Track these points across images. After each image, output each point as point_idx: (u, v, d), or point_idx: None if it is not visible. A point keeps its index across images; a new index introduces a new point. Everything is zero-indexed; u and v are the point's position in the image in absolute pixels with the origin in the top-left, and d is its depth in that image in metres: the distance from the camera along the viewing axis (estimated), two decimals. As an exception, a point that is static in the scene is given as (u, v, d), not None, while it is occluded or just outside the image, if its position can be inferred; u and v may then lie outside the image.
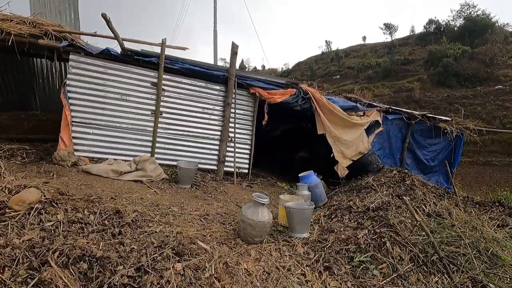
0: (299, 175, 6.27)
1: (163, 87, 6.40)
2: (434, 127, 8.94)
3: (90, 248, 2.77)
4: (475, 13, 28.49)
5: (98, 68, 5.89)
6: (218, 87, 6.95)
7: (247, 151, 7.23)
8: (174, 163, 6.16)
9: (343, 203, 5.14)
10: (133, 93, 6.18)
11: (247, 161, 7.22)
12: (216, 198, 5.61)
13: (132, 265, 2.75)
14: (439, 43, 28.76)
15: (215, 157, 6.91)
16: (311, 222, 4.53)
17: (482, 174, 15.69)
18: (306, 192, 5.63)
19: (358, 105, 8.19)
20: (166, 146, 6.49)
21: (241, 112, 7.19)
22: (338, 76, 27.06)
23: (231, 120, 6.99)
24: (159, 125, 6.39)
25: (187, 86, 6.66)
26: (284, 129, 11.02)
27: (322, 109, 7.62)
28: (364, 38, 33.14)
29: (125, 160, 5.70)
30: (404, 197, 3.88)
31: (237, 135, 7.11)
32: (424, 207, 4.82)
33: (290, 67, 35.58)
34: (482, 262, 3.27)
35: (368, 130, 8.19)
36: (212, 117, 6.89)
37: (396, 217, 4.28)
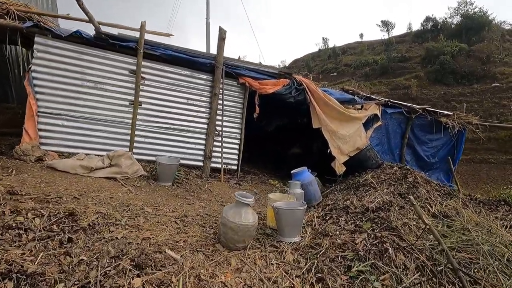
0: (292, 172, 5.71)
1: (143, 75, 5.80)
2: (435, 122, 8.42)
3: (22, 261, 2.19)
4: (472, 11, 28.08)
5: (70, 53, 5.28)
6: (204, 76, 6.36)
7: (236, 146, 6.66)
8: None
9: (339, 203, 4.59)
10: (109, 81, 5.57)
11: (235, 156, 6.65)
12: (199, 197, 5.03)
13: (76, 282, 2.17)
14: (436, 40, 28.33)
15: (201, 153, 6.33)
16: (303, 224, 3.97)
17: (479, 171, 15.26)
18: (299, 190, 5.07)
19: (356, 97, 7.64)
20: (146, 140, 5.90)
21: (230, 103, 6.61)
22: (335, 74, 26.53)
23: (219, 112, 6.41)
24: (139, 117, 5.78)
25: (170, 75, 6.07)
26: (277, 123, 10.45)
27: (317, 101, 7.06)
28: (361, 35, 32.66)
29: (98, 155, 5.10)
30: (410, 197, 3.33)
31: (225, 129, 6.53)
32: (429, 207, 4.28)
33: (287, 64, 35.01)
34: (508, 275, 2.72)
35: (366, 125, 7.66)
36: (198, 109, 6.30)
37: (399, 219, 3.74)
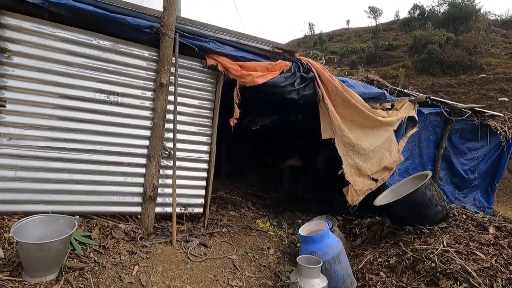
0: (300, 233, 2.90)
1: (7, 45, 2.70)
2: (480, 126, 5.80)
3: None
4: (459, -1, 25.98)
5: None
6: (141, 53, 3.31)
7: (202, 174, 3.70)
8: (43, 208, 2.62)
9: None
10: None
11: (201, 192, 3.71)
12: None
13: None
14: (423, 29, 26.10)
15: (137, 190, 3.34)
16: None
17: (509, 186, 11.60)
18: (318, 282, 2.29)
19: (386, 92, 4.84)
20: (17, 175, 2.85)
21: (190, 102, 3.61)
22: (322, 61, 23.69)
23: (169, 117, 3.42)
24: (-2, 129, 2.72)
25: (69, 47, 2.97)
26: (264, 121, 7.49)
27: (332, 99, 4.20)
28: (348, 22, 29.75)
29: None
30: None
31: (181, 146, 3.55)
32: None
33: (269, 51, 31.66)
34: None
35: (397, 132, 4.93)
36: (130, 111, 3.27)
37: None
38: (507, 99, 20.54)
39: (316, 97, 4.10)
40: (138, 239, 3.09)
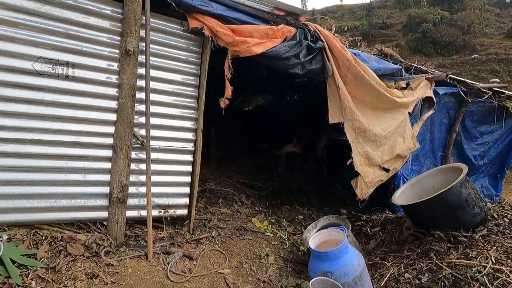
0: (310, 246, 2.24)
1: None
2: (497, 108, 5.20)
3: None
4: (454, -25, 24.98)
5: None
6: (100, 8, 2.42)
7: (186, 168, 2.94)
8: None
9: None
10: None
11: (185, 189, 2.96)
12: None
13: None
14: (418, 6, 25.17)
15: (101, 190, 2.57)
16: None
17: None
18: None
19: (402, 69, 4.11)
20: None
21: (169, 76, 2.78)
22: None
23: (140, 96, 2.61)
24: None
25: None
26: (258, 104, 6.70)
27: (343, 75, 3.44)
28: (341, -2, 28.49)
29: None
30: None
31: (158, 133, 2.76)
32: None
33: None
34: None
35: (411, 115, 4.27)
36: (86, 88, 2.44)
37: None
38: (498, 81, 20.11)
39: (325, 72, 3.34)
40: (103, 254, 2.37)
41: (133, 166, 2.66)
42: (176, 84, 2.82)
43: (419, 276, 2.30)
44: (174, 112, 2.83)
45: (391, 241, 3.05)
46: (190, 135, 2.93)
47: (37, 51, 2.22)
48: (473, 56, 21.83)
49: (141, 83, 2.61)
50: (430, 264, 2.35)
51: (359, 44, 4.38)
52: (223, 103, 2.79)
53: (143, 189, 2.73)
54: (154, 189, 2.70)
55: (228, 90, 2.76)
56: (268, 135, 5.80)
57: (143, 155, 2.69)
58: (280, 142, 5.42)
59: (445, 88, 4.73)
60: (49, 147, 2.34)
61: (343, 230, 2.49)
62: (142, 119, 2.65)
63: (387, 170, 4.08)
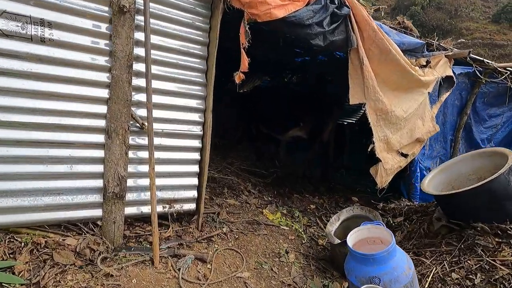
0: (349, 245, 1.88)
1: None
2: (508, 89, 4.97)
3: None
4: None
5: None
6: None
7: (194, 155, 2.48)
8: None
9: None
10: None
11: (193, 180, 2.51)
12: None
13: None
14: (407, -12, 24.78)
15: (93, 184, 2.09)
16: None
17: None
18: None
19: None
20: None
21: (172, 44, 2.26)
22: None
23: (138, 68, 2.10)
24: None
25: None
26: (256, 85, 6.20)
27: (367, 48, 3.02)
28: (328, -21, 27.45)
29: None
30: None
31: (160, 114, 2.27)
32: None
33: None
34: None
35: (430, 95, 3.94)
36: (68, 55, 1.90)
37: None
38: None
39: (348, 45, 2.90)
40: (99, 262, 1.92)
41: (131, 154, 2.18)
42: (180, 53, 2.31)
43: (470, 276, 2.02)
44: (178, 89, 2.33)
45: (420, 233, 2.76)
46: (197, 117, 2.45)
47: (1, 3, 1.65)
48: (459, 40, 21.86)
49: (138, 51, 2.09)
50: (480, 262, 2.07)
51: (382, 14, 3.95)
52: (238, 78, 2.31)
53: (143, 181, 2.26)
54: (157, 181, 2.24)
55: (245, 61, 2.28)
56: (269, 118, 5.35)
57: (142, 141, 2.20)
58: (283, 126, 5.00)
59: (461, 67, 4.42)
60: (24, 131, 1.82)
61: (380, 224, 2.16)
62: (141, 97, 2.15)
63: (405, 156, 3.78)
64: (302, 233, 3.08)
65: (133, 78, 2.07)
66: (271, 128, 5.28)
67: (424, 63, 3.81)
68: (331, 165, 5.02)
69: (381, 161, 3.46)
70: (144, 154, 2.21)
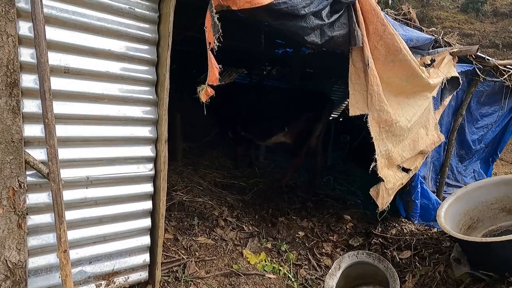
0: None
1: None
2: (505, 87, 4.56)
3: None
4: None
5: None
6: None
7: (143, 205, 1.69)
8: None
9: None
10: None
11: (142, 239, 1.71)
12: None
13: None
14: (382, -25, 24.39)
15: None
16: None
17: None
18: None
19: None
20: None
21: (95, 41, 1.41)
22: None
23: (29, 83, 1.24)
24: None
25: None
26: (231, 79, 5.34)
27: (372, 46, 2.31)
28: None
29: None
30: None
31: (81, 154, 1.43)
32: None
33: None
34: None
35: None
36: None
37: None
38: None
39: (351, 42, 2.18)
40: None
41: (32, 218, 1.35)
42: (113, 58, 1.46)
43: None
44: (110, 112, 1.50)
45: (436, 279, 2.21)
46: (145, 151, 1.64)
47: None
48: (431, 29, 22.05)
49: (27, 55, 1.23)
50: None
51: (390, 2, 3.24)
52: (205, 94, 1.52)
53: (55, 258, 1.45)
54: (85, 252, 1.44)
55: (214, 70, 1.47)
56: (248, 119, 4.55)
57: (49, 197, 1.37)
58: (265, 128, 4.25)
59: (461, 65, 3.89)
60: None
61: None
62: (39, 129, 1.31)
63: (406, 171, 3.21)
64: (293, 279, 2.43)
65: (24, 100, 1.22)
66: (250, 131, 4.51)
67: (429, 62, 3.21)
68: (319, 174, 4.39)
69: (383, 180, 2.86)
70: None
